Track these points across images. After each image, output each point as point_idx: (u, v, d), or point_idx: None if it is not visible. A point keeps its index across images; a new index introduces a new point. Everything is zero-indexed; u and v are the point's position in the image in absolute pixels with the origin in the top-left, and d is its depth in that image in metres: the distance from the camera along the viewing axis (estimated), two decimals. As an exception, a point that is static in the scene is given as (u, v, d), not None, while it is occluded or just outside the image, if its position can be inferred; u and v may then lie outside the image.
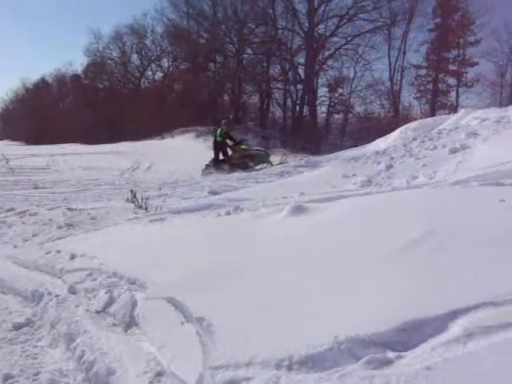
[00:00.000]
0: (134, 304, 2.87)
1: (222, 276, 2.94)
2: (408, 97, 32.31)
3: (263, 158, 13.74)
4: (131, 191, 6.97)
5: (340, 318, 2.23)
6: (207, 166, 13.91)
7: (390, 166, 6.71)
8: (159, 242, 4.14)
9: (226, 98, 31.16)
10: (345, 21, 28.86)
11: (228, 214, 4.84)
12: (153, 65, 35.81)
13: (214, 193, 7.09)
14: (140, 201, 6.58)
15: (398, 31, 30.14)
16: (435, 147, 7.15)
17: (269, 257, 3.20)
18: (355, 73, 29.92)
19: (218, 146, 14.39)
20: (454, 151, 6.64)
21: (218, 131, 14.52)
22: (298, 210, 4.16)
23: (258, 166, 13.36)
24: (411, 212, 3.96)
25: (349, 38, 29.08)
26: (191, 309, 2.53)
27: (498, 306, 2.27)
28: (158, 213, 5.73)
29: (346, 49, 29.45)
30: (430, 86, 31.14)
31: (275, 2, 27.99)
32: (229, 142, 14.34)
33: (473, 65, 30.45)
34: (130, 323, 2.73)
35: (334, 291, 2.57)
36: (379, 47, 29.66)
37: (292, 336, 2.13)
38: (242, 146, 14.25)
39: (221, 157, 14.24)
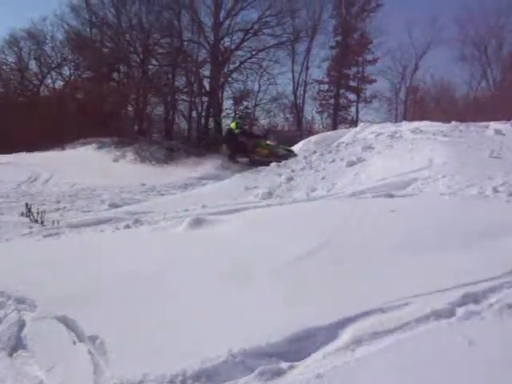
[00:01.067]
0: (22, 325, 2.69)
1: (117, 291, 2.85)
2: (311, 111, 33.33)
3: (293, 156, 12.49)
4: (26, 205, 6.63)
5: (235, 331, 2.24)
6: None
7: (290, 179, 6.87)
8: (53, 258, 3.94)
9: (130, 108, 30.53)
10: (250, 35, 29.29)
11: (127, 227, 4.73)
12: (53, 72, 34.29)
13: (114, 206, 6.89)
14: (36, 215, 6.27)
15: (301, 47, 31.10)
16: (334, 160, 7.42)
17: (166, 271, 3.15)
18: (260, 86, 30.46)
19: (236, 140, 13.30)
20: (351, 164, 6.92)
21: (233, 124, 13.74)
22: (198, 222, 4.15)
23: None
24: (309, 223, 4.08)
25: (253, 52, 29.51)
26: (84, 327, 2.42)
27: (385, 313, 2.38)
28: (54, 227, 5.48)
29: (251, 62, 29.86)
30: (332, 101, 32.38)
31: (181, 14, 27.91)
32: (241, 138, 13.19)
33: (371, 82, 32.23)
34: (16, 346, 2.55)
35: (229, 304, 2.57)
36: (283, 62, 30.42)
37: (188, 351, 2.11)
38: (268, 142, 13.15)
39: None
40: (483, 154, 6.20)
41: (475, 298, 2.48)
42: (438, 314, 2.34)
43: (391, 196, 4.76)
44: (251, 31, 29.25)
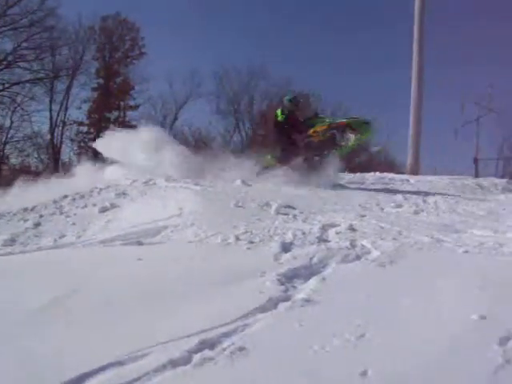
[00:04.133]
0: None
1: None
2: (69, 152, 32.23)
3: (365, 127, 9.07)
4: None
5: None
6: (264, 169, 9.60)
7: (38, 224, 6.47)
8: None
9: None
10: (2, 66, 27.40)
11: None
12: None
13: None
14: None
15: (60, 85, 30.10)
16: (86, 205, 7.22)
17: None
18: (12, 122, 28.45)
19: (282, 131, 9.74)
20: (103, 210, 6.81)
21: (278, 111, 9.89)
22: None
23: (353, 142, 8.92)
24: (53, 272, 3.89)
25: (6, 85, 27.61)
26: None
27: (124, 365, 2.35)
28: None
29: (3, 96, 27.85)
30: (92, 144, 31.81)
31: None
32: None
33: (132, 127, 32.52)
34: None
35: None
36: (40, 99, 29.01)
37: None
38: (323, 117, 9.67)
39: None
40: (230, 203, 6.65)
41: (211, 344, 2.59)
42: (174, 363, 2.39)
43: (141, 243, 4.79)
44: (4, 62, 27.36)
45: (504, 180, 13.83)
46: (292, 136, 9.66)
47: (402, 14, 36.80)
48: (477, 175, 17.88)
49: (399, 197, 8.45)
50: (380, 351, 2.52)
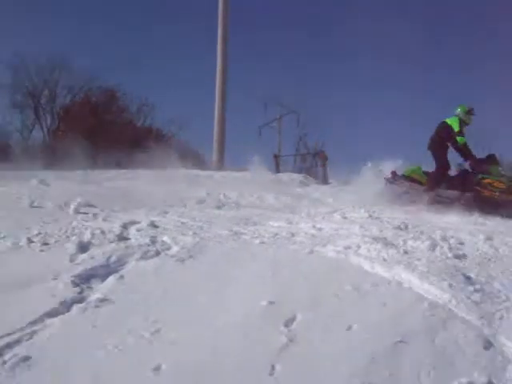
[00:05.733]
0: None
1: None
2: None
3: None
4: None
5: None
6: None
7: None
8: None
9: None
10: None
11: None
12: None
13: None
14: None
15: None
16: None
17: None
18: None
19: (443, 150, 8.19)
20: None
21: (453, 122, 7.98)
22: None
23: None
24: None
25: None
26: None
27: None
28: None
29: None
30: None
31: None
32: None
33: None
34: None
35: None
36: None
37: None
38: (498, 166, 7.95)
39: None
40: (24, 203, 6.22)
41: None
42: None
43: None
44: None
45: (301, 175, 15.07)
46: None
47: (207, 13, 37.68)
48: (278, 171, 19.05)
49: (202, 193, 8.67)
50: (175, 345, 2.55)
